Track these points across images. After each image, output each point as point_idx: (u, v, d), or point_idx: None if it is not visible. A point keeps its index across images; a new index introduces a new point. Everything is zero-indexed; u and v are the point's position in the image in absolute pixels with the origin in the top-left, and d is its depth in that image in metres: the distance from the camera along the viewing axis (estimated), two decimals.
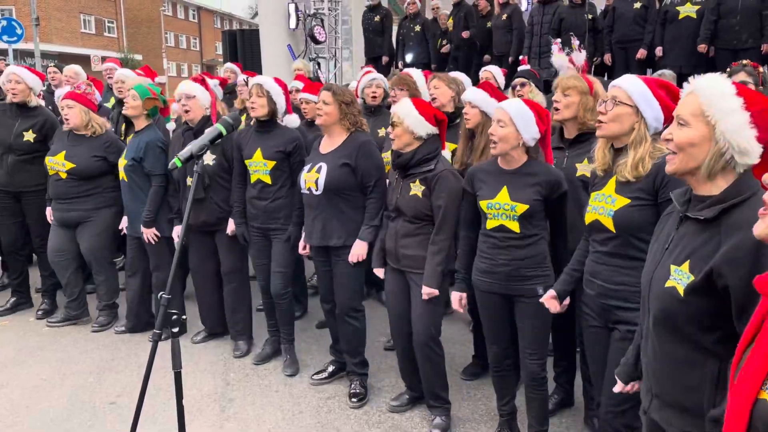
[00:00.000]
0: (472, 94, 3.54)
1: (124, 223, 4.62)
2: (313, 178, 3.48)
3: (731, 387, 1.23)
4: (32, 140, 4.89)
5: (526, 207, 2.80)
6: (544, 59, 7.70)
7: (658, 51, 7.16)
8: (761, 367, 1.14)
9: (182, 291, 4.97)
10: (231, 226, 4.11)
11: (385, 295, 3.55)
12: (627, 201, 2.30)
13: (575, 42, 4.72)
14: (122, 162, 4.42)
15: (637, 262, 2.22)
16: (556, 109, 3.15)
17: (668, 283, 1.68)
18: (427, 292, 3.14)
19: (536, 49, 8.02)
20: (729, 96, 1.59)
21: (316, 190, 3.48)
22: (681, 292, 1.63)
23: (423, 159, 3.17)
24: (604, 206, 2.37)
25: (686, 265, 1.63)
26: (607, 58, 7.76)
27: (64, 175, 4.56)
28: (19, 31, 15.64)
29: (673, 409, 1.72)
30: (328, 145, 3.57)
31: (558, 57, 4.89)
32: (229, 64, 7.74)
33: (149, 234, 4.38)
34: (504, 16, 8.45)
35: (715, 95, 1.60)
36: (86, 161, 4.54)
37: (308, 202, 3.59)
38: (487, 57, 8.66)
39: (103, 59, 7.77)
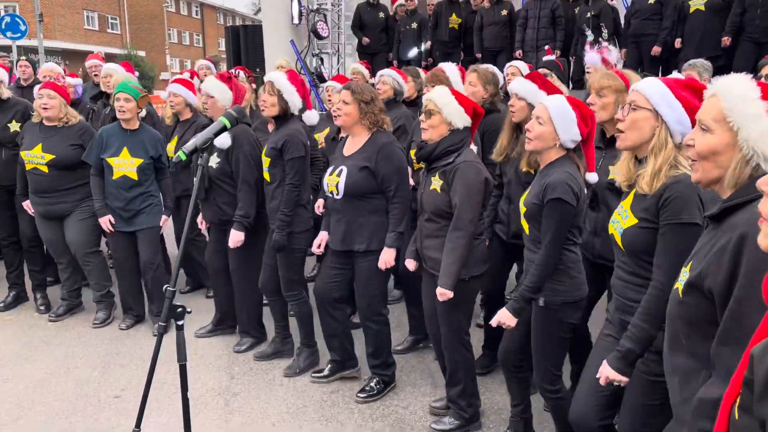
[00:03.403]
0: (520, 86, 3.28)
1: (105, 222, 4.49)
2: (334, 182, 3.40)
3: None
4: (19, 129, 4.86)
5: (524, 209, 2.71)
6: (540, 53, 7.70)
7: (677, 43, 7.14)
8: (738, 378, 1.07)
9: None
10: (236, 238, 3.94)
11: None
12: (635, 221, 2.13)
13: (605, 39, 4.61)
14: (131, 162, 4.37)
15: (648, 281, 2.09)
16: None
17: (675, 285, 1.62)
18: (441, 293, 2.95)
19: (531, 43, 8.03)
20: (752, 100, 1.47)
21: (337, 194, 3.40)
22: (680, 292, 1.56)
23: (446, 151, 2.99)
24: (619, 221, 2.21)
25: (690, 264, 1.57)
26: (623, 53, 7.71)
27: (45, 169, 4.53)
28: (23, 28, 15.67)
29: (677, 422, 1.64)
30: (350, 146, 3.48)
31: (590, 55, 4.77)
32: (203, 61, 7.34)
33: (165, 224, 4.65)
34: (504, 12, 8.46)
35: (737, 99, 1.48)
36: (65, 150, 4.52)
37: (331, 206, 3.54)
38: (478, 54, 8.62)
39: (107, 56, 7.70)
